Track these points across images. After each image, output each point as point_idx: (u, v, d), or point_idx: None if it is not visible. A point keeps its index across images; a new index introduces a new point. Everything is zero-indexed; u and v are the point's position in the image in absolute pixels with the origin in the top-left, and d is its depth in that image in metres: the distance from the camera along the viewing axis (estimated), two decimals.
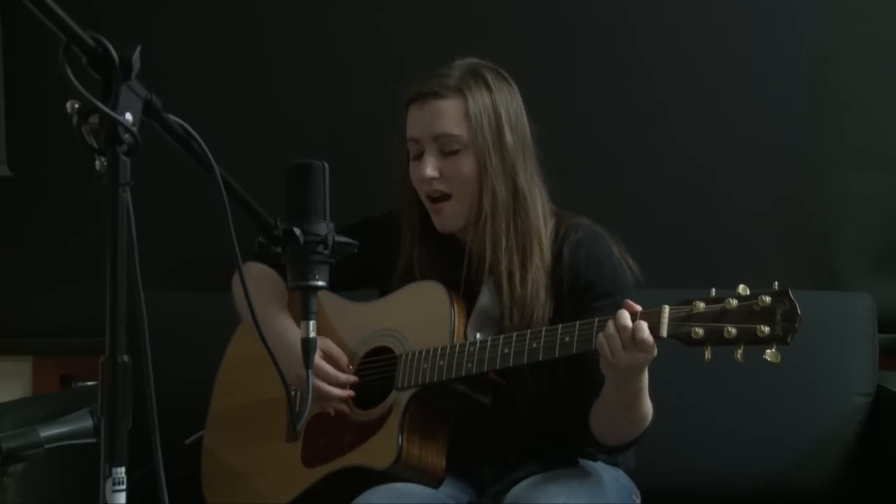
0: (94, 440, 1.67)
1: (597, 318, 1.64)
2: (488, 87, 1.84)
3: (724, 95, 2.53)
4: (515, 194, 1.83)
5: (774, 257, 2.52)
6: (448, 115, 1.82)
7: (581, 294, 1.80)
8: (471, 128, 1.81)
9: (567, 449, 1.89)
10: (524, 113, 1.88)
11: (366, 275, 2.01)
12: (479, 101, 1.82)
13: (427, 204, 1.88)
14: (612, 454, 1.85)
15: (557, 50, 2.55)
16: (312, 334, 1.27)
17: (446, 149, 1.83)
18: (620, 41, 2.56)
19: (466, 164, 1.82)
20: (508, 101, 1.85)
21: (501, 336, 1.75)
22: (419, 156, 1.86)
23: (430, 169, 1.83)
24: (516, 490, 1.77)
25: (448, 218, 1.87)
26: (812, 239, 2.53)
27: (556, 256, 1.84)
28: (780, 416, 2.27)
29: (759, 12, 2.52)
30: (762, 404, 2.28)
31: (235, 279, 2.02)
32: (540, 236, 1.84)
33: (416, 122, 1.85)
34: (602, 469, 1.87)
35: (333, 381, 1.87)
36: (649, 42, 2.55)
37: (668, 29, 2.55)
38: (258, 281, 1.96)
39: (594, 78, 2.56)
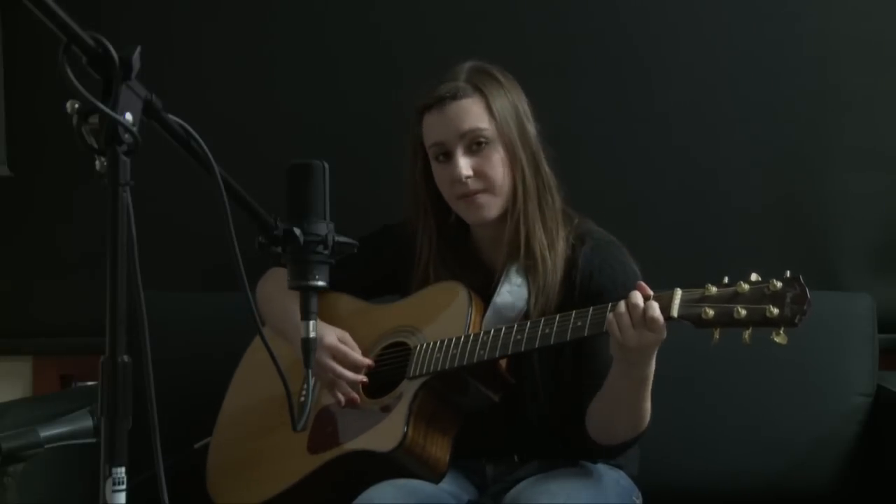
0: (94, 440, 1.67)
1: (610, 304, 1.64)
2: (500, 84, 1.87)
3: (723, 95, 2.53)
4: (542, 181, 1.86)
5: (774, 257, 2.51)
6: (471, 112, 1.83)
7: (593, 299, 1.79)
8: (496, 121, 1.83)
9: (571, 449, 1.89)
10: (528, 106, 1.91)
11: (388, 282, 2.03)
12: (497, 96, 1.85)
13: (458, 204, 1.87)
14: (606, 457, 1.85)
15: (557, 50, 2.55)
16: (312, 334, 1.28)
17: (474, 145, 1.83)
18: (620, 41, 2.56)
19: (496, 158, 1.84)
20: (520, 97, 1.89)
21: (515, 325, 1.76)
22: (446, 159, 1.85)
23: (464, 168, 1.83)
24: (517, 489, 1.78)
25: (484, 209, 1.86)
26: (812, 239, 2.53)
27: (572, 261, 1.85)
28: (780, 416, 2.27)
29: (759, 12, 2.52)
30: (763, 404, 2.28)
31: (259, 284, 2.06)
32: (558, 223, 1.87)
33: (438, 125, 1.85)
34: (603, 470, 1.88)
35: (349, 362, 1.88)
36: (649, 42, 2.55)
37: (667, 29, 2.55)
38: (279, 282, 1.97)
39: (594, 78, 2.56)
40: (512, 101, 1.86)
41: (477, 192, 1.84)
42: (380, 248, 1.96)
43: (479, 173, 1.83)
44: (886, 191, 2.49)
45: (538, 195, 1.85)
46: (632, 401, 1.69)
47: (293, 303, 1.92)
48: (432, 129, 1.86)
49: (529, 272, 1.84)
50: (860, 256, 2.51)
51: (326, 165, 1.26)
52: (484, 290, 1.89)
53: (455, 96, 1.83)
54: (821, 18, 2.49)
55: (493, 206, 1.85)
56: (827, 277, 2.48)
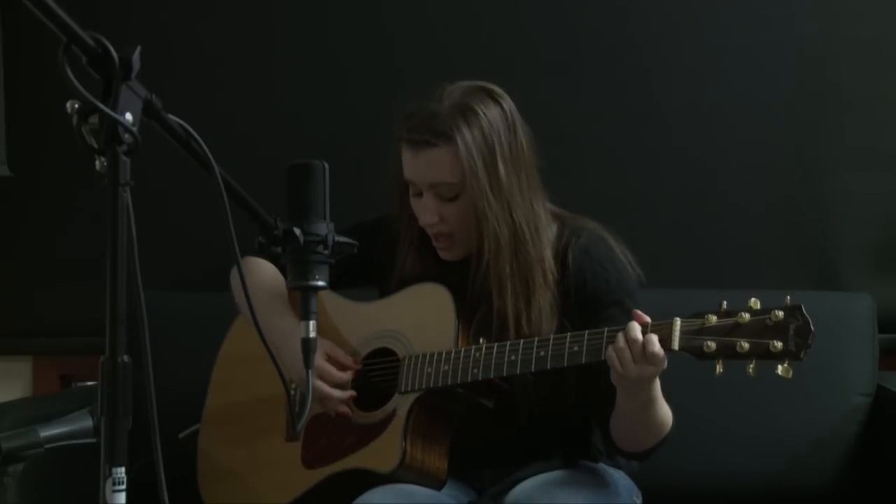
0: (94, 440, 1.68)
1: (606, 329, 1.63)
2: (479, 124, 1.77)
3: (723, 95, 2.53)
4: (514, 231, 1.79)
5: (774, 257, 2.52)
6: (441, 164, 1.78)
7: (589, 303, 1.79)
8: (464, 174, 1.77)
9: (569, 451, 1.89)
10: (518, 126, 1.82)
11: (359, 276, 1.99)
12: (471, 143, 1.76)
13: (432, 237, 1.87)
14: (637, 460, 1.84)
15: (557, 50, 2.55)
16: (312, 334, 1.28)
17: (444, 195, 1.81)
18: (620, 41, 2.56)
19: (465, 209, 1.80)
20: (501, 129, 1.80)
21: (508, 342, 1.74)
22: (418, 194, 1.84)
23: (429, 215, 1.82)
24: (517, 491, 1.77)
25: (451, 252, 1.87)
26: (812, 239, 2.53)
27: (561, 262, 1.83)
28: (780, 416, 2.27)
29: (758, 12, 2.52)
30: (762, 404, 2.28)
31: (234, 273, 2.00)
32: (542, 262, 1.81)
33: (410, 166, 1.82)
34: (603, 470, 1.88)
35: (334, 381, 1.87)
36: (649, 42, 2.55)
37: (667, 29, 2.55)
38: (259, 277, 1.96)
39: (594, 78, 2.56)
40: (489, 143, 1.77)
41: (442, 234, 1.84)
42: (370, 236, 1.90)
43: (447, 220, 1.82)
44: (886, 191, 2.49)
45: (509, 250, 1.79)
46: (644, 418, 1.68)
47: (273, 299, 1.92)
48: (406, 165, 1.83)
49: (501, 328, 1.80)
50: (860, 256, 2.51)
51: (326, 165, 1.26)
52: (472, 298, 1.86)
53: (427, 143, 1.78)
54: (821, 18, 2.49)
55: (460, 249, 1.85)
56: (827, 277, 2.49)
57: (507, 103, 1.83)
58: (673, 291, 2.27)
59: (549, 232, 1.85)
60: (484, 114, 1.79)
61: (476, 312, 1.84)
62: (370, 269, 1.98)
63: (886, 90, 2.49)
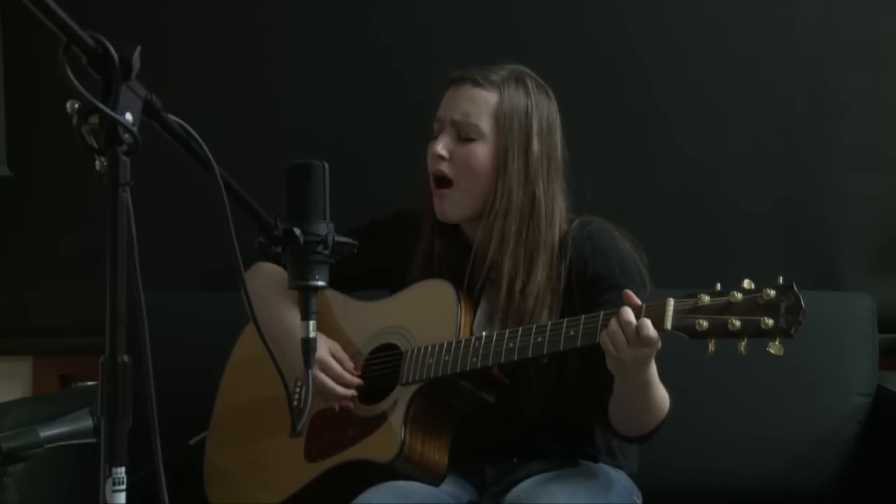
0: (94, 440, 1.68)
1: (602, 312, 1.64)
2: (527, 94, 1.85)
3: (723, 96, 2.53)
4: (532, 202, 1.82)
5: (774, 257, 2.52)
6: (476, 103, 1.83)
7: (589, 287, 1.80)
8: (497, 124, 1.82)
9: (569, 449, 1.89)
10: (558, 131, 1.88)
11: (374, 276, 2.01)
12: (515, 103, 1.83)
13: (433, 188, 1.88)
14: (637, 443, 1.85)
15: (556, 51, 2.55)
16: (312, 334, 1.28)
17: (463, 135, 1.84)
18: (620, 41, 2.56)
19: (478, 155, 1.83)
20: (543, 115, 1.85)
21: (507, 331, 1.74)
22: (438, 135, 1.87)
23: (440, 146, 1.85)
24: (517, 490, 1.78)
25: (448, 206, 1.87)
26: (812, 239, 2.53)
27: (562, 252, 1.84)
28: (780, 416, 2.27)
29: (758, 12, 2.52)
30: (762, 404, 2.28)
31: (246, 278, 2.01)
32: (551, 251, 1.83)
33: (446, 102, 1.88)
34: (603, 470, 1.88)
35: (339, 378, 1.87)
36: (649, 42, 2.55)
37: (667, 29, 2.55)
38: (268, 279, 1.96)
39: (594, 78, 2.56)
40: (528, 114, 1.83)
41: (445, 180, 1.85)
42: (371, 243, 1.90)
43: (455, 159, 1.84)
44: (886, 191, 2.49)
45: (520, 214, 1.81)
46: (640, 401, 1.69)
47: (280, 299, 1.92)
48: (442, 103, 1.88)
49: (494, 290, 1.82)
50: (860, 256, 2.51)
51: (326, 165, 1.26)
52: (477, 283, 1.87)
53: (475, 82, 1.84)
54: (821, 18, 2.50)
55: (457, 206, 1.86)
56: (827, 277, 2.49)
57: (556, 106, 1.89)
58: (672, 291, 2.26)
59: (562, 225, 1.86)
60: (534, 93, 1.86)
61: (479, 278, 1.85)
62: (385, 266, 1.98)
63: (886, 90, 2.49)
